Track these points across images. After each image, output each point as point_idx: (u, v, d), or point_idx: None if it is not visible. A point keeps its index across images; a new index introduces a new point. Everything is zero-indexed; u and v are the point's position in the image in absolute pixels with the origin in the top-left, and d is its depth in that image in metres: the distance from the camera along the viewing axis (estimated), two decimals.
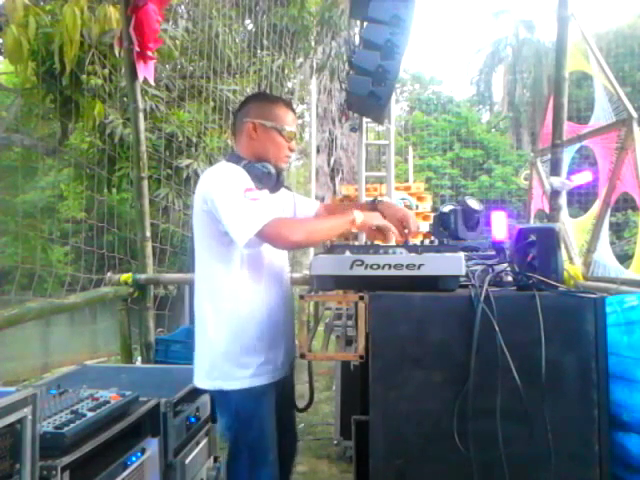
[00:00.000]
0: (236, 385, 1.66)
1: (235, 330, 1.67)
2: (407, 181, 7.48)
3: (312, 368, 1.90)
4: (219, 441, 2.28)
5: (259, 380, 1.69)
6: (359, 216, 1.67)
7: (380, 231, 1.72)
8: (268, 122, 1.75)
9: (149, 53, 3.10)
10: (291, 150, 1.81)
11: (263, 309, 1.71)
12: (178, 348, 3.25)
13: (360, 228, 1.72)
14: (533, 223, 4.63)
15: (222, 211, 1.59)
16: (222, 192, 1.60)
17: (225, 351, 1.67)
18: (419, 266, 1.37)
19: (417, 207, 4.54)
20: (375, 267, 1.39)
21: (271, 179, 1.74)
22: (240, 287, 1.68)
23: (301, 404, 2.01)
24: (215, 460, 2.25)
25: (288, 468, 1.95)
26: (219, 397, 1.74)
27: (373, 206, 1.87)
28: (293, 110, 1.84)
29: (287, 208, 1.89)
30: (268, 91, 5.71)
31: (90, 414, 1.42)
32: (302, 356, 1.53)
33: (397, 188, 4.48)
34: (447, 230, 1.81)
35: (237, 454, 1.71)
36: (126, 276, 3.13)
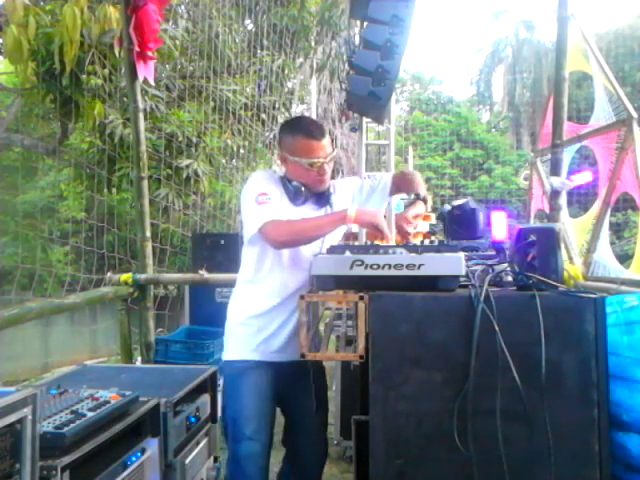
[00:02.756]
0: (229, 356, 1.88)
1: (243, 307, 1.89)
2: None
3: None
4: (219, 441, 2.28)
5: (251, 355, 1.83)
6: (352, 213, 1.70)
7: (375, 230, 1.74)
8: (290, 157, 1.84)
9: (149, 53, 3.10)
10: (321, 174, 1.84)
11: (277, 293, 1.85)
12: (178, 348, 3.26)
13: (356, 223, 1.78)
14: (533, 223, 4.63)
15: (242, 211, 1.86)
16: (244, 194, 1.84)
17: (231, 324, 1.91)
18: (419, 266, 1.37)
19: None
20: (375, 267, 1.39)
21: (301, 196, 1.86)
22: (262, 271, 1.86)
23: None
24: (215, 460, 2.25)
25: (314, 476, 1.98)
26: (222, 368, 1.96)
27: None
28: (316, 136, 1.81)
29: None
30: (268, 91, 5.71)
31: (90, 414, 1.41)
32: (302, 356, 1.54)
33: None
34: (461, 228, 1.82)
35: (224, 425, 1.90)
36: (126, 276, 3.13)
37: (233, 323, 1.91)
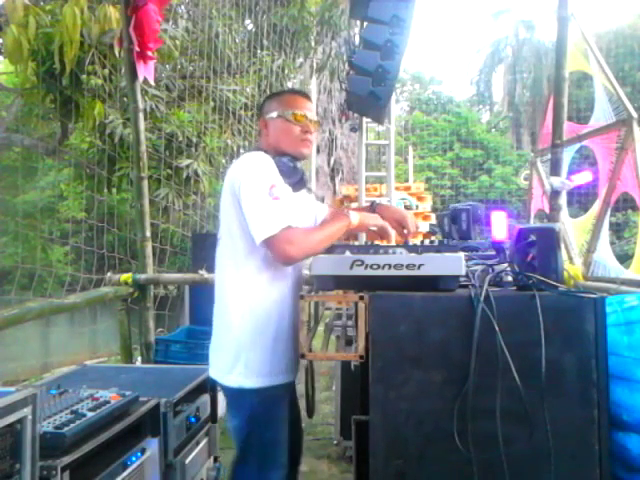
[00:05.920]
0: (257, 383, 1.61)
1: (261, 325, 1.62)
2: (407, 181, 7.49)
3: (313, 369, 1.90)
4: (219, 441, 2.28)
5: (279, 379, 1.65)
6: (355, 217, 1.67)
7: (379, 232, 1.72)
8: (273, 113, 1.73)
9: (149, 53, 3.10)
10: (305, 132, 1.72)
11: (287, 305, 1.68)
12: (178, 348, 3.25)
13: (358, 229, 1.73)
14: (533, 223, 4.63)
15: (245, 204, 1.55)
16: (249, 184, 1.56)
17: (251, 346, 1.62)
18: (419, 266, 1.37)
19: (417, 207, 4.55)
20: (375, 267, 1.39)
21: (297, 174, 1.72)
22: (267, 280, 1.64)
23: (300, 404, 2.00)
24: (215, 460, 2.25)
25: (295, 467, 1.92)
26: (236, 394, 1.66)
27: (371, 209, 1.87)
28: (303, 95, 1.80)
29: (309, 210, 1.89)
30: (268, 91, 5.71)
31: (90, 414, 1.42)
32: (302, 356, 1.53)
33: (397, 188, 4.49)
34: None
35: (248, 456, 1.66)
36: (126, 276, 3.13)
37: (245, 340, 1.63)
